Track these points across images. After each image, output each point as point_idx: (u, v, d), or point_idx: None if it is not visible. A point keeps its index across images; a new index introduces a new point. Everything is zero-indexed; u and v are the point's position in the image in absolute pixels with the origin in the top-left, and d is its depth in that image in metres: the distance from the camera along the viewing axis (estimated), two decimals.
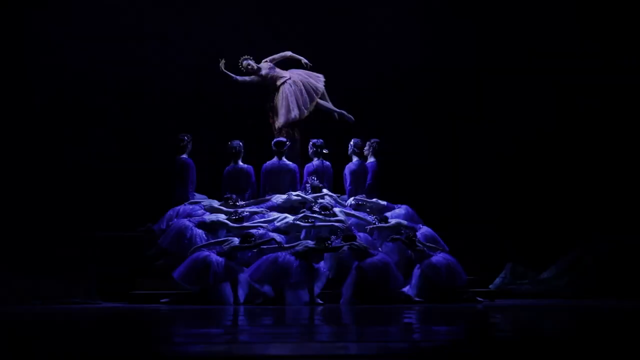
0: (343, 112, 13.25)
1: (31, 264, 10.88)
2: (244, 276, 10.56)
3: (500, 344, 5.39)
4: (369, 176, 12.65)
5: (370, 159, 12.81)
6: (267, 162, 12.74)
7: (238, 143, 12.71)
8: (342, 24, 14.82)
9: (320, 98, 13.24)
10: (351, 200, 12.34)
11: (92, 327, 7.31)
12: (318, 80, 13.26)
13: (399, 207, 12.24)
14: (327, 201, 12.06)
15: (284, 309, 9.48)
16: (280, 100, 13.15)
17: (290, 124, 13.10)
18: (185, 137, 12.63)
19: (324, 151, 12.71)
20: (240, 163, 12.70)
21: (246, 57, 13.36)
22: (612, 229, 13.06)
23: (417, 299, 10.60)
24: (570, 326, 7.04)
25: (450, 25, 14.80)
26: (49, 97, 14.17)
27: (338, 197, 12.55)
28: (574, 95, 14.73)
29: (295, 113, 13.03)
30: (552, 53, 14.78)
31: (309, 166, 12.78)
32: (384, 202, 12.28)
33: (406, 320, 7.73)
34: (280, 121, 13.13)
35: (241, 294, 10.56)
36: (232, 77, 13.24)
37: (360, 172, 12.66)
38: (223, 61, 13.27)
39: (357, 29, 14.90)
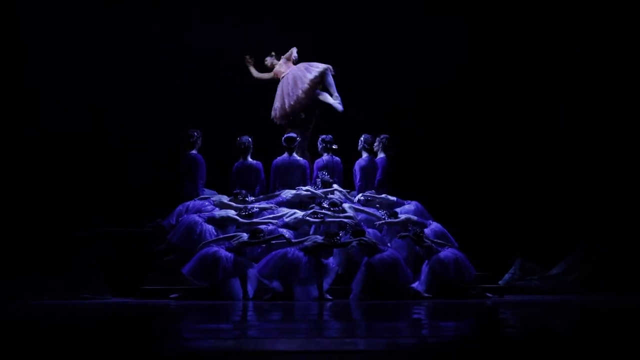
0: (335, 102, 13.09)
1: (40, 259, 10.92)
2: (253, 272, 10.57)
3: (509, 340, 5.39)
4: (378, 172, 12.65)
5: (380, 155, 12.81)
6: (278, 157, 12.76)
7: (247, 139, 12.73)
8: (353, 19, 14.85)
9: (322, 89, 13.17)
10: (360, 196, 12.35)
11: (101, 322, 7.33)
12: (311, 70, 13.12)
13: (408, 203, 12.25)
14: (337, 197, 12.07)
15: (293, 305, 9.48)
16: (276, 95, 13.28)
17: (282, 118, 13.12)
18: (195, 133, 12.65)
19: (333, 147, 12.71)
20: (250, 159, 12.71)
21: (271, 54, 13.49)
22: (613, 229, 13.03)
23: (426, 294, 10.60)
24: (579, 323, 7.03)
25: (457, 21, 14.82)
26: (58, 98, 14.21)
27: (348, 192, 12.56)
28: (576, 94, 14.74)
29: (276, 108, 13.08)
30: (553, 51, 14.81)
31: (318, 161, 12.79)
32: (394, 198, 12.28)
33: (415, 316, 7.73)
34: (271, 116, 13.24)
35: (250, 289, 10.58)
36: (251, 73, 13.42)
37: (370, 168, 12.66)
38: (249, 58, 13.40)
39: (367, 24, 14.91)
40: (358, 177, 12.71)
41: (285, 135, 12.81)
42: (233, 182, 12.56)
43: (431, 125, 14.69)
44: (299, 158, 12.76)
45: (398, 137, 13.48)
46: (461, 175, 14.42)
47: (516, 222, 13.69)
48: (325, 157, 12.74)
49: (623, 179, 14.29)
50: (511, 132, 14.64)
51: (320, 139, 12.84)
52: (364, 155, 12.81)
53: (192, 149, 12.60)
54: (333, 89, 13.12)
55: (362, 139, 12.86)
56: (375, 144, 12.88)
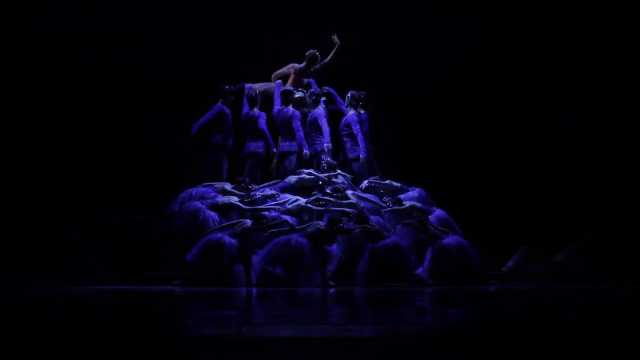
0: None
1: (46, 246, 10.94)
2: (256, 258, 10.57)
3: (512, 326, 5.40)
4: (365, 125, 12.78)
5: (361, 111, 12.94)
6: (275, 107, 12.89)
7: (253, 88, 12.91)
8: (352, 19, 14.82)
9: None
10: (365, 182, 12.33)
11: (105, 308, 7.35)
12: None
13: (412, 190, 12.23)
14: (341, 181, 12.05)
15: (296, 291, 9.50)
16: None
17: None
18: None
19: (322, 99, 12.90)
20: (256, 109, 12.80)
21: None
22: (613, 229, 13.00)
23: (429, 281, 10.60)
24: (582, 310, 7.04)
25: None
26: (60, 81, 14.17)
27: (351, 178, 12.54)
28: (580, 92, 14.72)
29: None
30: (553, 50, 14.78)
31: (310, 115, 12.94)
32: (398, 184, 12.26)
33: (418, 303, 7.74)
34: None
35: (253, 275, 10.59)
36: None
37: (361, 122, 12.80)
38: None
39: (366, 24, 14.90)
40: (356, 129, 12.72)
41: (283, 88, 12.91)
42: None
43: (431, 125, 14.67)
44: (289, 108, 12.80)
45: (397, 138, 13.59)
46: (461, 175, 14.39)
47: (516, 222, 13.65)
48: (317, 109, 12.86)
49: (623, 179, 14.26)
50: (511, 132, 14.61)
51: (308, 93, 12.99)
52: (352, 111, 12.90)
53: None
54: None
55: (349, 95, 12.98)
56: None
